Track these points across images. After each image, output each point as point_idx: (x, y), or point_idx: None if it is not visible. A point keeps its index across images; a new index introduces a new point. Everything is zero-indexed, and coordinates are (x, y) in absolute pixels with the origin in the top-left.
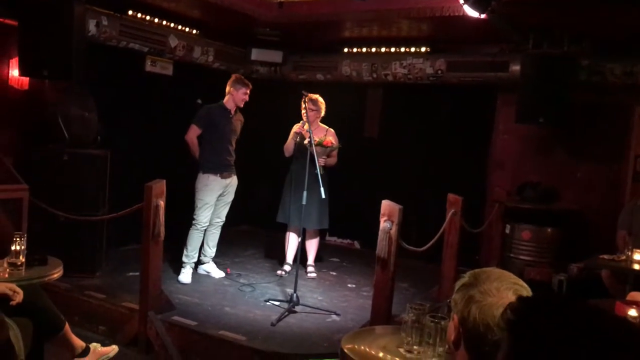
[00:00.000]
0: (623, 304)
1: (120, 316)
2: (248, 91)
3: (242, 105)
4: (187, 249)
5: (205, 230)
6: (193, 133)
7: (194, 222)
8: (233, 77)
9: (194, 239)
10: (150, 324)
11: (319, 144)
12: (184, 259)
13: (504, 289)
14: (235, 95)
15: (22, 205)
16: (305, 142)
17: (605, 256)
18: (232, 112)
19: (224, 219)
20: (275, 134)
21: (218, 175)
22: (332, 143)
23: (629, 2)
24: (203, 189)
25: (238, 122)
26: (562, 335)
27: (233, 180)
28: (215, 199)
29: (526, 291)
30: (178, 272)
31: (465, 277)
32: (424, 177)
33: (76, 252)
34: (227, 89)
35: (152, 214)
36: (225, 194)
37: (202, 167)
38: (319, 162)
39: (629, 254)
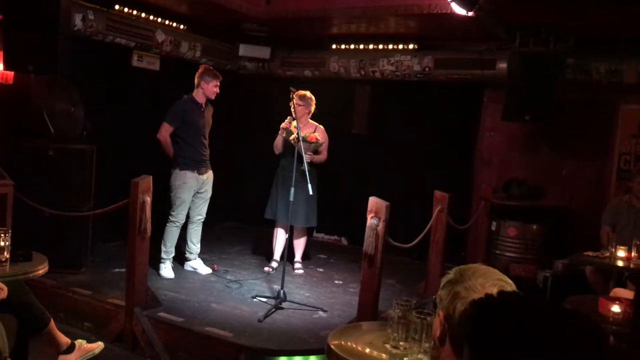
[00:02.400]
0: (606, 300)
1: (106, 312)
2: (218, 83)
3: (213, 98)
4: (165, 245)
5: (187, 227)
6: (166, 131)
7: (171, 218)
8: (201, 69)
9: (172, 234)
10: (136, 320)
11: (303, 140)
12: (163, 255)
13: (489, 286)
14: (205, 89)
15: (7, 200)
16: (292, 137)
17: (590, 253)
18: (204, 105)
19: (204, 215)
20: (263, 130)
21: (195, 171)
22: (316, 139)
23: (615, 2)
24: (181, 186)
25: (209, 114)
26: (514, 344)
27: (209, 176)
28: (191, 195)
29: (511, 287)
30: (159, 269)
31: (451, 274)
32: (411, 174)
33: (62, 248)
34: (196, 81)
35: (138, 210)
36: (202, 190)
37: (178, 164)
38: (305, 158)
39: (613, 250)
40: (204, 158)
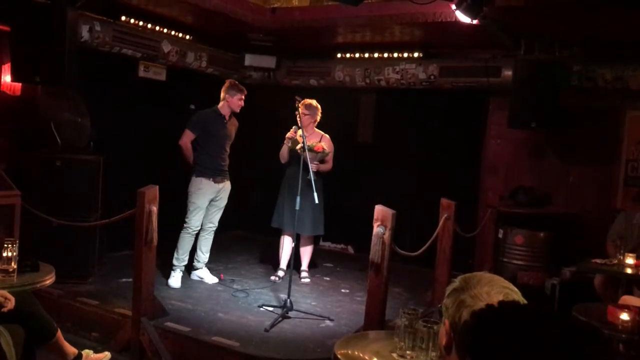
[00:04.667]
0: (615, 307)
1: (113, 322)
2: (243, 97)
3: (238, 111)
4: (177, 252)
5: (198, 235)
6: (187, 138)
7: (185, 225)
8: (227, 83)
9: (186, 242)
10: (143, 330)
11: (310, 149)
12: (175, 262)
13: (494, 293)
14: (230, 102)
15: (14, 211)
16: (298, 147)
17: (598, 260)
18: (227, 117)
19: (216, 224)
20: (269, 139)
21: (211, 179)
22: (323, 149)
23: (619, 9)
24: (196, 192)
25: (232, 127)
26: (514, 354)
27: (226, 185)
28: (207, 202)
29: (516, 295)
30: (169, 277)
31: (456, 282)
32: (417, 182)
33: (69, 258)
34: (222, 94)
35: (144, 219)
36: (217, 198)
37: (195, 171)
38: (312, 167)
39: (621, 257)
40: (222, 168)
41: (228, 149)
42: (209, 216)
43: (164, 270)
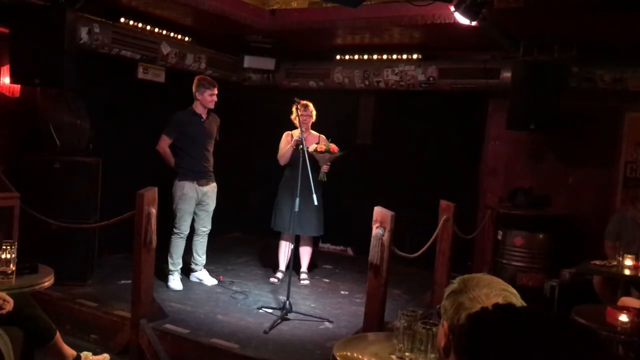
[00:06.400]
0: (614, 309)
1: (112, 324)
2: (215, 91)
3: (212, 107)
4: (171, 257)
5: (192, 239)
6: (164, 143)
7: (175, 230)
8: (196, 80)
9: (178, 246)
10: (142, 332)
11: (327, 151)
12: (170, 267)
13: (493, 296)
14: (202, 99)
15: (13, 213)
16: (312, 149)
17: (597, 262)
18: (203, 116)
19: (209, 227)
20: (268, 141)
21: (195, 182)
22: (338, 149)
23: (618, 11)
24: (181, 197)
25: (213, 124)
26: (510, 358)
27: (212, 188)
28: (193, 206)
29: (515, 297)
30: (168, 281)
31: (455, 284)
32: (417, 184)
33: (68, 260)
34: (193, 93)
35: (143, 221)
36: (205, 203)
37: (178, 175)
38: (323, 168)
39: (620, 259)
40: (205, 169)
41: (211, 148)
42: (200, 221)
43: (162, 272)
